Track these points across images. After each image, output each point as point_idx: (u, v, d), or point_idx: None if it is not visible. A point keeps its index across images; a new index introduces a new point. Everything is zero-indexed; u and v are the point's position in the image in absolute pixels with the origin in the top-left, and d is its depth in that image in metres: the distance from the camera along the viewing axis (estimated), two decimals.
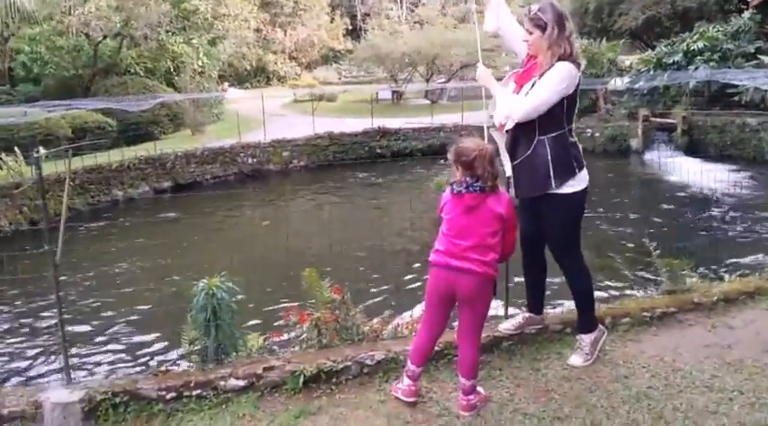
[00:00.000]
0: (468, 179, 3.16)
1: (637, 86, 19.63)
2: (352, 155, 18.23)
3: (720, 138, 17.11)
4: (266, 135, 17.95)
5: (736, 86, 16.88)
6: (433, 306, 3.32)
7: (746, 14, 18.84)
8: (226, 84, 35.62)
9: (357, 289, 7.42)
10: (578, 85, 3.55)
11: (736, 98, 17.13)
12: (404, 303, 7.61)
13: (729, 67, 17.58)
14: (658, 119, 18.43)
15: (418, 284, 8.24)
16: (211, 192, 15.33)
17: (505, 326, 4.03)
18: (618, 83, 20.24)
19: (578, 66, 3.52)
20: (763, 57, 17.36)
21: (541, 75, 3.46)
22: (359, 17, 61.84)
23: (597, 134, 18.45)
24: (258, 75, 44.52)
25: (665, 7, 23.64)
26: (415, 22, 36.80)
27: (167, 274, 8.84)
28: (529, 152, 3.58)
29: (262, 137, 18.04)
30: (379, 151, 18.54)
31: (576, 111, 3.67)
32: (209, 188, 15.97)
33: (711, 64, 17.92)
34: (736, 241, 9.84)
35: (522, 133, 3.61)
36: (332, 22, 55.54)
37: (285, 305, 7.03)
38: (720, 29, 18.94)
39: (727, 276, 5.13)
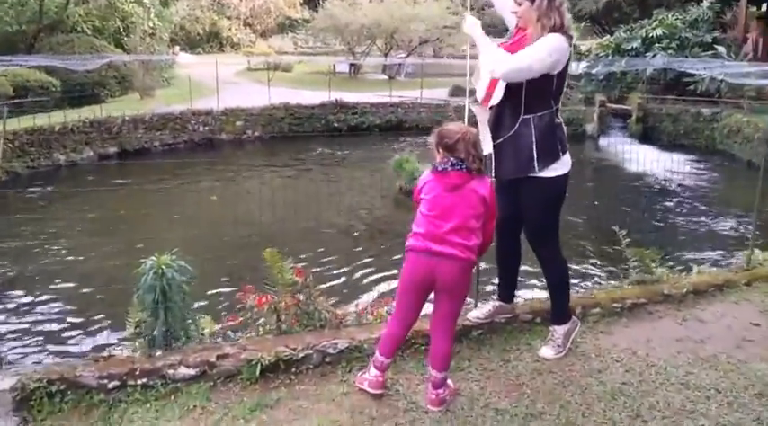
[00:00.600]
0: (452, 159, 2.99)
1: (594, 71, 19.69)
2: (308, 128, 17.80)
3: (674, 127, 17.31)
4: (219, 103, 17.34)
5: (693, 75, 17.06)
6: (407, 294, 3.08)
7: (705, 3, 19.03)
8: (177, 47, 34.43)
9: (313, 269, 7.20)
10: (569, 61, 3.35)
11: (692, 87, 17.32)
12: (362, 284, 7.42)
13: (687, 56, 17.75)
14: (614, 106, 18.56)
15: (377, 265, 8.03)
16: (160, 160, 14.70)
17: (475, 315, 3.84)
18: (575, 67, 20.26)
19: (570, 38, 3.32)
20: (719, 48, 17.57)
21: None
22: None
23: None
24: (211, 41, 43.25)
25: None
26: None
27: (111, 248, 8.32)
28: (513, 131, 3.40)
29: (214, 104, 17.42)
30: (336, 125, 18.15)
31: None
32: (158, 155, 15.33)
33: (669, 52, 18.06)
34: (692, 233, 9.86)
35: (506, 110, 3.41)
36: None
37: (238, 286, 6.75)
38: (679, 17, 19.09)
39: (695, 267, 5.05)
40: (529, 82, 3.29)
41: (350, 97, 19.34)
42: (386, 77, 31.08)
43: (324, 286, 6.65)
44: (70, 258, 8.38)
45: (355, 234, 9.48)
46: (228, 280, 7.17)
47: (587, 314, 4.09)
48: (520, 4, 3.33)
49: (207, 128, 16.78)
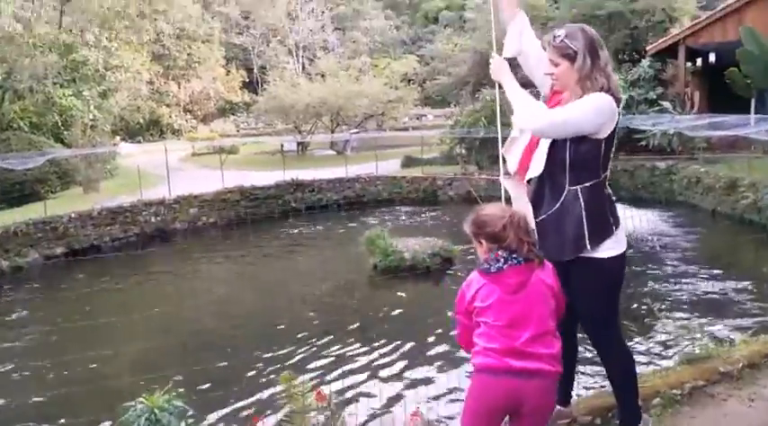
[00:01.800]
0: (501, 252, 2.45)
1: None
2: (265, 210, 17.17)
3: (632, 182, 17.39)
4: (171, 191, 16.60)
5: (643, 132, 17.31)
6: (482, 422, 2.48)
7: (645, 63, 19.58)
8: (117, 138, 33.75)
9: (302, 377, 6.48)
10: (617, 125, 2.93)
11: (643, 142, 17.56)
12: (368, 390, 6.53)
13: (634, 114, 18.06)
14: None
15: (374, 362, 7.18)
16: (113, 257, 13.77)
17: None
18: None
19: (618, 101, 2.90)
20: (664, 103, 17.97)
21: None
22: (255, 70, 61.50)
23: None
24: (151, 129, 42.78)
25: None
26: (316, 74, 36.52)
27: (67, 371, 7.23)
28: (557, 205, 2.91)
29: (163, 193, 16.66)
30: (294, 204, 17.61)
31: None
32: (109, 251, 14.34)
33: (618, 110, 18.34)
34: (693, 298, 9.21)
35: (547, 182, 2.95)
36: (228, 74, 54.95)
37: (230, 403, 5.95)
38: (622, 77, 19.53)
39: (738, 336, 4.61)
40: (574, 148, 2.86)
41: (303, 174, 18.87)
42: (334, 153, 31.04)
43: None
44: (18, 387, 7.39)
45: (338, 330, 8.18)
46: (216, 396, 6.30)
47: (649, 406, 3.55)
48: (557, 65, 2.90)
49: (159, 218, 15.94)
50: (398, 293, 9.66)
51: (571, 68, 2.85)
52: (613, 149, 3.00)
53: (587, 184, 2.88)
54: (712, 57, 19.47)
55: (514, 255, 2.43)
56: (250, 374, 6.87)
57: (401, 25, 77.75)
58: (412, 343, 7.49)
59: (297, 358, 7.17)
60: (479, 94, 22.01)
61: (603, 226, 2.92)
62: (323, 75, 34.79)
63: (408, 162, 22.77)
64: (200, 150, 31.57)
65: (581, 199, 2.88)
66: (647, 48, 20.74)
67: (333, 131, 31.41)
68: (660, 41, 19.68)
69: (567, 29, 2.92)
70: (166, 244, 15.14)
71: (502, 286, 2.42)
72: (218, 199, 16.80)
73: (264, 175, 19.13)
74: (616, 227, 2.95)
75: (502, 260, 2.43)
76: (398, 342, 7.52)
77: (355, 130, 31.18)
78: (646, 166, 17.27)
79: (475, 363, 2.48)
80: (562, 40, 2.87)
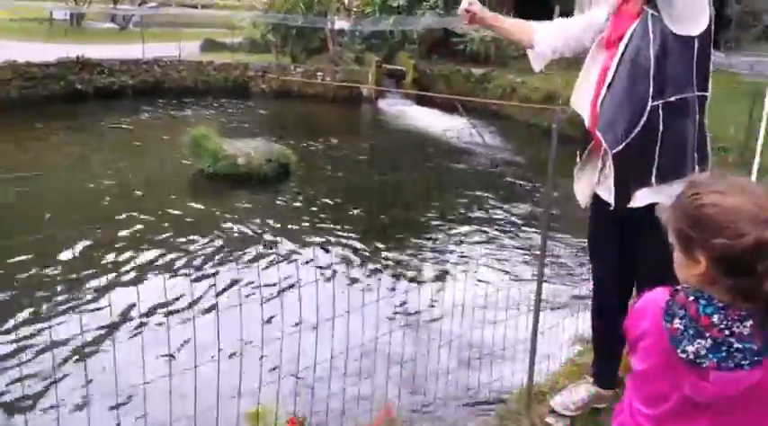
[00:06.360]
0: (740, 312, 1.22)
1: (360, 28, 18.98)
2: (43, 92, 14.24)
3: (448, 88, 17.26)
4: None
5: (462, 35, 17.14)
6: None
7: None
8: None
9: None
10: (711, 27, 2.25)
11: (461, 47, 17.45)
12: None
13: (453, 15, 17.75)
14: (388, 66, 17.99)
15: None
16: None
17: (563, 402, 2.61)
18: (344, 24, 19.39)
19: None
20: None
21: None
22: None
23: (328, 78, 17.31)
24: None
25: None
26: None
27: None
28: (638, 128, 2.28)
29: None
30: (79, 87, 14.81)
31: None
32: None
33: (437, 10, 17.90)
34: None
35: (627, 94, 2.32)
36: None
37: None
38: None
39: None
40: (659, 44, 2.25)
41: (87, 51, 15.90)
42: (116, 27, 27.39)
43: None
44: None
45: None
46: None
47: None
48: None
49: None
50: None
51: None
52: (711, 64, 2.32)
53: (671, 99, 2.23)
54: None
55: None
56: None
57: None
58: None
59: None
60: None
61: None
62: None
63: (210, 46, 20.58)
64: None
65: (661, 119, 2.25)
66: None
67: (115, 2, 27.44)
68: None
69: None
70: None
71: (727, 386, 1.23)
72: None
73: (34, 49, 15.96)
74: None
75: (748, 352, 1.21)
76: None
77: (154, 4, 27.46)
78: (462, 72, 17.20)
79: None
80: None
